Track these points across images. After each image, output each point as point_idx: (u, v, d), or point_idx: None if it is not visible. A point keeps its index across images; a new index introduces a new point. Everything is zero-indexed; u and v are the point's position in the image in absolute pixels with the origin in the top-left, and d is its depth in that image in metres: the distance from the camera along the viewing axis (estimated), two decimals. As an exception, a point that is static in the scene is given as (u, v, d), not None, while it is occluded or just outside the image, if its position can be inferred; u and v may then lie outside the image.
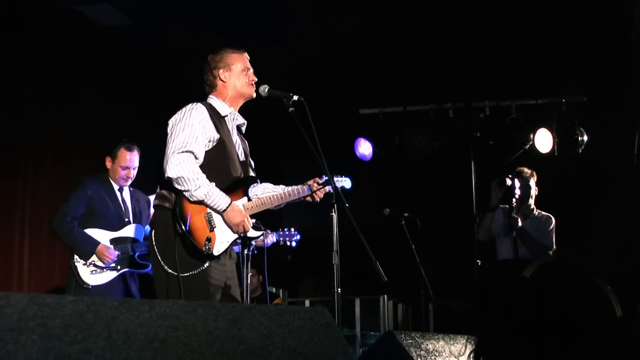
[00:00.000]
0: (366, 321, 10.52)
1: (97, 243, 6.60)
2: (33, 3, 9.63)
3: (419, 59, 10.79)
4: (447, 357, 3.39)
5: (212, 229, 4.97)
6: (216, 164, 5.09)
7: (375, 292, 10.46)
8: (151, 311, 1.89)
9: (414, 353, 3.15)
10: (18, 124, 9.23)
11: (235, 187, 5.16)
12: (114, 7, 9.75)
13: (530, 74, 10.47)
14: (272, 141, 12.45)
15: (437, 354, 3.32)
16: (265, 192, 5.42)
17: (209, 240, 4.89)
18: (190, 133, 4.94)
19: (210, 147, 5.07)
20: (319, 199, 5.42)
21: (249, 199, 5.26)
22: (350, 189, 6.40)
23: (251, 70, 5.44)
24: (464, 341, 3.62)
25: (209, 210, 4.99)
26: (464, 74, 10.76)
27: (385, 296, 10.58)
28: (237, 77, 5.33)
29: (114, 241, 6.68)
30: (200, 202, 4.94)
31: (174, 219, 4.89)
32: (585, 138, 9.41)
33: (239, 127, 5.47)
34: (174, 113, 5.15)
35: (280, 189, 5.43)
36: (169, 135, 5.02)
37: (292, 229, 7.20)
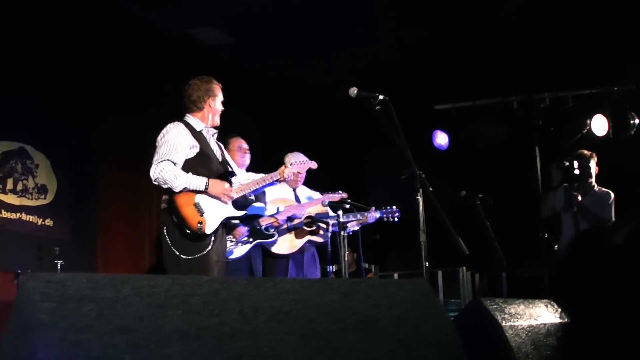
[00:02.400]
0: (448, 290, 10.61)
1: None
2: (144, 29, 9.82)
3: (485, 58, 10.69)
4: (527, 319, 3.36)
5: (201, 214, 5.36)
6: (200, 166, 5.52)
7: (455, 264, 10.51)
8: (275, 287, 1.91)
9: (498, 317, 3.13)
10: (144, 129, 9.44)
11: (218, 179, 5.56)
12: (218, 29, 9.88)
13: (583, 66, 10.29)
14: (358, 136, 12.47)
15: (519, 317, 3.29)
16: (246, 180, 5.90)
17: (200, 223, 5.29)
18: (169, 146, 5.42)
19: (193, 154, 5.52)
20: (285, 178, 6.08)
21: (230, 185, 5.64)
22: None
23: (222, 99, 5.91)
24: (542, 305, 3.59)
25: (196, 200, 5.38)
26: (526, 70, 10.62)
27: (464, 268, 10.60)
28: (218, 105, 5.82)
29: (242, 219, 6.74)
30: (185, 190, 5.37)
31: (170, 214, 5.37)
32: (637, 121, 9.21)
33: (213, 135, 5.87)
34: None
35: (259, 176, 5.96)
36: (156, 147, 5.52)
37: (394, 207, 7.26)
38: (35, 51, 8.66)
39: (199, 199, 5.41)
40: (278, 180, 6.02)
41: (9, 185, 8.36)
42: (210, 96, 5.74)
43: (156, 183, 5.40)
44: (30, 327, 1.59)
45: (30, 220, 8.56)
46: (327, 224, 7.02)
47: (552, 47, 10.33)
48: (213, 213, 5.40)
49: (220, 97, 5.84)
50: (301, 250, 7.23)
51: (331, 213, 7.18)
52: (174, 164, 5.37)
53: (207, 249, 5.34)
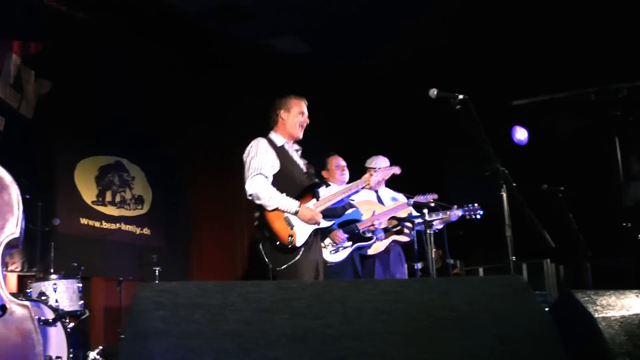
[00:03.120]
0: (532, 282, 10.41)
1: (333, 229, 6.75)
2: (224, 42, 9.93)
3: (561, 50, 10.47)
4: (619, 310, 3.26)
5: (292, 227, 5.35)
6: (284, 181, 5.48)
7: (539, 256, 10.35)
8: (375, 288, 1.90)
9: (590, 308, 3.06)
10: (231, 137, 9.55)
11: (303, 194, 5.52)
12: (297, 38, 9.93)
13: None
14: (437, 135, 12.37)
15: (611, 308, 3.20)
16: (332, 190, 5.77)
17: (291, 236, 5.27)
18: (258, 160, 5.44)
19: (275, 170, 5.49)
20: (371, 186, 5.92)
21: (318, 199, 5.58)
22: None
23: (306, 114, 5.78)
24: (633, 295, 3.48)
25: (286, 214, 5.37)
26: (601, 61, 10.37)
27: (548, 260, 10.41)
28: (294, 117, 5.70)
29: (341, 225, 6.74)
30: (277, 209, 5.35)
31: (261, 229, 5.40)
32: None
33: (296, 151, 5.81)
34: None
35: (343, 186, 5.88)
36: (244, 164, 5.52)
37: (476, 204, 7.18)
38: (122, 71, 8.88)
39: (289, 214, 5.42)
40: (363, 188, 5.91)
41: (108, 197, 8.56)
42: (282, 109, 5.70)
43: (250, 198, 5.41)
44: (146, 335, 1.61)
45: (129, 229, 8.75)
46: (412, 222, 6.97)
47: (628, 36, 10.06)
48: (302, 226, 5.38)
49: (296, 110, 5.73)
50: (387, 249, 7.20)
51: (414, 212, 7.14)
52: (266, 177, 5.39)
53: (296, 259, 5.29)
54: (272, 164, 5.47)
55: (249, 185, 5.36)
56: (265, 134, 5.73)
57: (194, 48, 9.73)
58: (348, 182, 7.16)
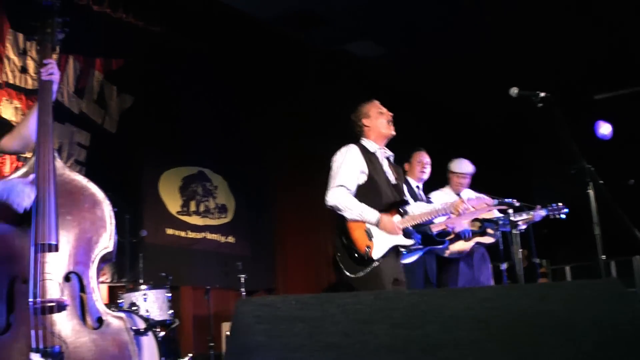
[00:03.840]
0: (622, 280, 10.21)
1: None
2: (302, 48, 9.99)
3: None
4: None
5: (370, 238, 5.20)
6: (369, 193, 5.33)
7: (627, 253, 10.11)
8: (472, 296, 1.89)
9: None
10: (312, 143, 9.61)
11: (388, 209, 5.35)
12: (374, 42, 9.95)
13: None
14: (520, 134, 12.26)
15: None
16: (417, 210, 5.66)
17: (368, 247, 5.14)
18: (344, 170, 5.32)
19: (362, 180, 5.35)
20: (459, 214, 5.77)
21: (402, 216, 5.44)
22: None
23: (385, 109, 5.67)
24: None
25: (367, 225, 5.24)
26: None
27: (638, 257, 10.18)
28: (375, 119, 5.58)
29: (415, 226, 6.70)
30: (356, 220, 5.23)
31: (339, 236, 5.29)
32: None
33: (388, 159, 5.66)
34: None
35: (431, 207, 5.71)
36: (331, 169, 5.42)
37: (560, 204, 7.05)
38: (201, 82, 9.03)
39: (371, 225, 5.28)
40: (451, 214, 5.70)
41: (192, 207, 8.70)
42: (362, 118, 5.60)
43: (330, 208, 5.35)
44: (249, 348, 1.64)
45: (214, 238, 8.88)
46: (496, 223, 6.91)
47: None
48: (382, 239, 5.23)
49: (375, 111, 5.63)
50: (470, 251, 7.14)
51: (497, 214, 7.07)
52: (348, 190, 5.29)
53: (369, 270, 5.12)
54: (359, 174, 5.36)
55: (330, 196, 5.30)
56: (351, 140, 5.62)
57: (273, 56, 9.82)
58: (427, 181, 7.14)
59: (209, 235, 8.82)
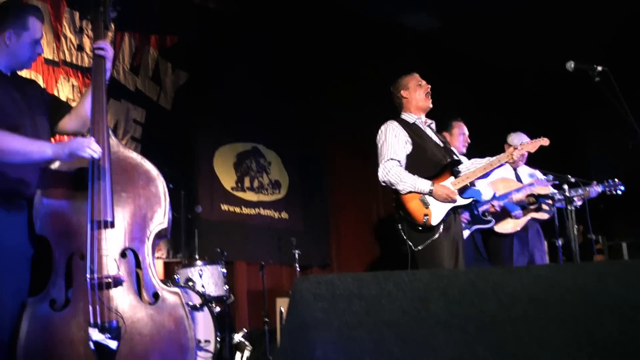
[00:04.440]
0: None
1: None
2: (356, 19, 9.95)
3: None
4: None
5: (427, 206, 5.28)
6: (420, 160, 5.43)
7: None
8: (529, 274, 1.89)
9: None
10: (366, 119, 9.60)
11: (441, 171, 5.42)
12: (426, 13, 9.86)
13: None
14: (575, 108, 12.07)
15: None
16: (472, 167, 5.62)
17: (426, 215, 5.22)
18: (389, 144, 5.44)
19: (409, 149, 5.45)
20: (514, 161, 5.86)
21: (456, 176, 5.47)
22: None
23: (424, 82, 5.75)
24: None
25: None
26: None
27: None
28: (413, 91, 5.68)
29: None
30: (410, 192, 5.31)
31: (397, 209, 5.40)
32: None
33: (430, 126, 5.74)
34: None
35: (485, 161, 5.61)
36: (378, 149, 5.55)
37: (616, 180, 6.96)
38: (256, 57, 9.06)
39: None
40: (505, 163, 5.73)
41: (247, 183, 8.77)
42: (401, 90, 5.71)
43: (384, 184, 5.44)
44: (307, 326, 1.66)
45: (268, 214, 8.94)
46: (552, 199, 6.84)
47: None
48: (438, 205, 5.29)
49: (413, 83, 5.71)
50: (525, 227, 7.08)
51: (552, 189, 6.99)
52: (399, 162, 5.38)
53: (434, 238, 5.21)
54: (404, 145, 5.45)
55: (381, 171, 5.40)
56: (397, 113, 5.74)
57: (326, 28, 9.80)
58: (473, 152, 7.08)
59: (263, 211, 8.89)
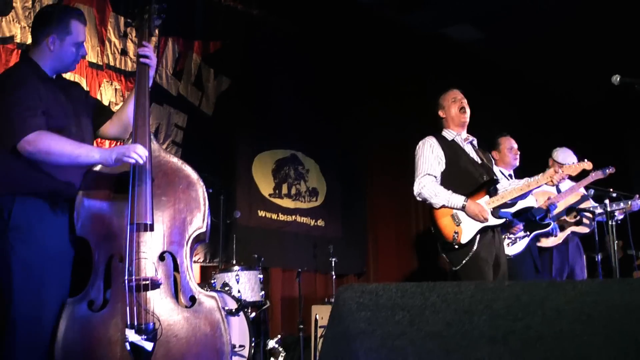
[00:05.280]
0: None
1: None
2: (399, 31, 9.92)
3: None
4: None
5: (458, 224, 5.26)
6: (454, 177, 5.43)
7: None
8: (575, 289, 1.86)
9: None
10: (407, 129, 9.59)
11: (477, 189, 5.40)
12: (472, 26, 9.82)
13: None
14: (618, 122, 11.94)
15: None
16: (509, 187, 5.59)
17: (456, 233, 5.21)
18: (425, 160, 5.47)
19: (443, 167, 5.46)
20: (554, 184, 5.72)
21: (492, 195, 5.44)
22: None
23: (459, 97, 5.73)
24: None
25: (454, 211, 5.30)
26: None
27: None
28: (449, 109, 5.68)
29: (515, 214, 6.58)
30: (444, 207, 5.31)
31: (431, 225, 5.44)
32: None
33: (471, 143, 5.73)
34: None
35: (523, 182, 5.59)
36: (415, 164, 5.57)
37: None
38: (298, 65, 9.09)
39: (458, 210, 5.34)
40: (544, 184, 5.64)
41: (284, 190, 8.78)
42: (439, 110, 5.73)
43: (419, 198, 5.48)
44: (350, 335, 1.65)
45: (304, 221, 8.94)
46: (593, 213, 6.75)
47: None
48: (470, 223, 5.27)
49: (449, 100, 5.72)
50: (565, 240, 7.00)
51: (593, 203, 6.92)
52: (435, 177, 5.41)
53: (468, 257, 5.19)
54: (440, 161, 5.46)
55: (416, 186, 5.43)
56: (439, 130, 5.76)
57: (369, 40, 9.80)
58: (519, 166, 7.01)
59: (299, 219, 8.89)
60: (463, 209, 5.26)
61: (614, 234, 6.32)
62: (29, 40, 4.68)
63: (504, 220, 5.41)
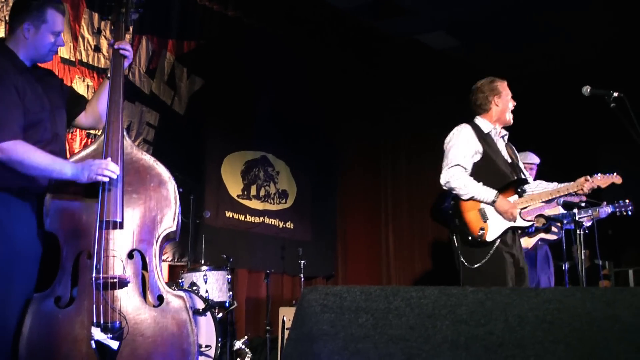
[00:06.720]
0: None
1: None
2: (382, 39, 9.96)
3: None
4: None
5: (485, 220, 5.07)
6: (486, 171, 5.19)
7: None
8: (537, 297, 1.88)
9: None
10: (379, 132, 9.61)
11: (506, 187, 5.18)
12: (445, 32, 9.87)
13: None
14: (589, 131, 12.03)
15: None
16: (537, 189, 5.38)
17: (482, 229, 5.00)
18: (458, 150, 5.19)
19: (478, 158, 5.21)
20: (584, 194, 5.44)
21: (520, 196, 5.24)
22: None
23: (510, 95, 5.47)
24: None
25: (482, 205, 5.10)
26: None
27: None
28: (507, 102, 5.40)
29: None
30: (472, 199, 5.10)
31: (454, 217, 5.17)
32: None
33: (503, 138, 5.47)
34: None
35: (552, 186, 5.37)
36: (444, 150, 5.29)
37: (627, 200, 6.85)
38: (270, 68, 9.08)
39: (486, 205, 5.13)
40: (575, 194, 5.40)
41: (253, 191, 8.77)
42: (495, 95, 5.35)
43: (445, 188, 5.21)
44: (313, 337, 1.66)
45: (273, 223, 8.94)
46: (561, 222, 6.81)
47: None
48: (497, 220, 5.07)
49: (506, 93, 5.42)
50: (534, 247, 7.04)
51: (562, 210, 6.97)
52: (464, 169, 5.15)
53: (488, 256, 4.97)
54: (473, 154, 5.21)
55: (444, 175, 5.16)
56: (469, 119, 5.46)
57: (345, 44, 9.81)
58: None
59: (267, 220, 8.89)
60: (493, 204, 5.06)
61: (581, 244, 6.34)
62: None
63: (531, 223, 5.25)
